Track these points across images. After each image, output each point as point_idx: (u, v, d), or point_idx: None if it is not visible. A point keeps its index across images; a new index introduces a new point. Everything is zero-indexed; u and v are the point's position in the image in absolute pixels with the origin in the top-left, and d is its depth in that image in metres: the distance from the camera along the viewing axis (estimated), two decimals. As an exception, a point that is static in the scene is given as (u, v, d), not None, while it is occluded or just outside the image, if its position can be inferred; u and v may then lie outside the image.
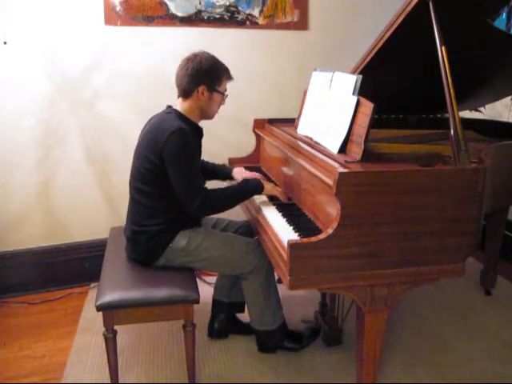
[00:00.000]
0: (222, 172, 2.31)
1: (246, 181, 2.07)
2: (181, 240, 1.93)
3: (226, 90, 2.01)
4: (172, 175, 1.85)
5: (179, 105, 1.97)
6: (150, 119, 2.03)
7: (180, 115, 1.94)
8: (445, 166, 1.76)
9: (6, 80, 2.52)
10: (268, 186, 2.04)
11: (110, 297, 1.77)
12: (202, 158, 2.28)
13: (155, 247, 1.93)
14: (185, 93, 1.94)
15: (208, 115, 2.01)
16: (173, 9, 2.71)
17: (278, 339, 2.12)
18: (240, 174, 2.27)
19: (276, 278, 2.09)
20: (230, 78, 2.00)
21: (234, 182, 2.24)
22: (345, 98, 1.86)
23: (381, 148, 1.96)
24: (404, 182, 1.55)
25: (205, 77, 1.91)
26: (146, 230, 1.92)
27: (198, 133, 2.02)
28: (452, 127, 1.67)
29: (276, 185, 2.22)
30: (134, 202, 1.99)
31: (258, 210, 2.03)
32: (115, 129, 2.74)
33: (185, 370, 1.94)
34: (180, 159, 1.83)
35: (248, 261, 1.97)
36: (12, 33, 2.47)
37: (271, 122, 2.59)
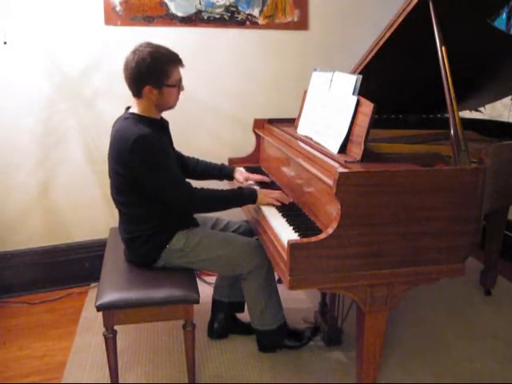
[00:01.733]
0: (221, 172, 2.28)
1: (240, 188, 2.04)
2: (178, 241, 1.92)
3: (179, 80, 1.87)
4: (150, 183, 1.81)
5: (135, 105, 1.89)
6: (114, 123, 1.97)
7: (138, 117, 1.86)
8: (445, 166, 1.76)
9: (5, 80, 2.52)
10: (262, 197, 1.98)
11: (110, 297, 1.77)
12: (202, 158, 2.30)
13: (151, 250, 1.92)
14: (135, 94, 1.86)
15: (167, 107, 1.92)
16: (173, 9, 2.71)
17: (278, 339, 2.12)
18: (242, 175, 2.26)
19: (276, 277, 2.09)
20: (179, 64, 1.86)
21: (233, 184, 2.24)
22: (345, 98, 1.86)
23: (381, 148, 1.96)
24: (404, 182, 1.55)
25: (146, 77, 1.79)
26: (138, 235, 1.92)
27: (163, 127, 1.97)
28: (452, 127, 1.67)
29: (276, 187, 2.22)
30: (118, 211, 1.99)
31: (258, 210, 2.03)
32: (115, 129, 2.74)
33: (185, 370, 1.94)
34: (151, 166, 1.78)
35: (248, 261, 1.96)
36: (12, 33, 2.47)
37: (271, 121, 2.59)
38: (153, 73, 1.80)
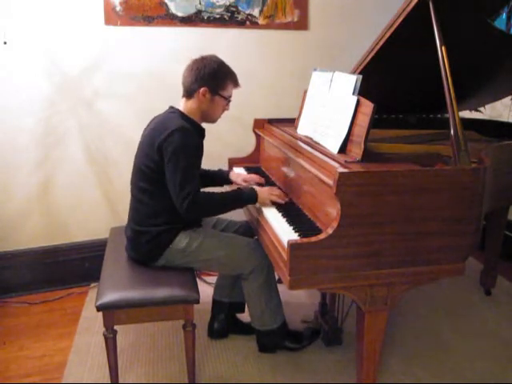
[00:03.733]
0: (219, 177, 2.29)
1: (239, 190, 2.04)
2: (181, 241, 1.93)
3: (230, 96, 2.00)
4: (168, 172, 1.84)
5: (182, 104, 1.97)
6: (153, 119, 2.03)
7: (184, 116, 1.93)
8: (445, 166, 1.75)
9: (6, 80, 2.52)
10: (262, 196, 1.98)
11: (110, 297, 1.77)
12: (209, 164, 2.28)
13: (155, 248, 1.93)
14: (187, 92, 1.94)
15: (210, 118, 2.00)
16: (173, 9, 2.71)
17: (278, 339, 2.12)
18: (238, 176, 2.26)
19: (276, 277, 2.09)
20: (236, 84, 1.99)
21: (233, 186, 2.23)
22: (345, 98, 1.86)
23: (381, 148, 1.96)
24: (404, 182, 1.55)
25: (208, 78, 1.91)
26: (147, 229, 1.92)
27: (201, 133, 2.01)
28: (452, 127, 1.67)
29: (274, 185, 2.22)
30: (135, 200, 1.99)
31: (258, 210, 2.03)
32: (115, 129, 2.74)
33: (185, 370, 1.94)
34: (179, 157, 1.81)
35: (248, 261, 1.97)
36: (12, 33, 2.47)
37: (271, 121, 2.59)
38: (214, 78, 1.92)
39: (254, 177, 2.25)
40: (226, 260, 1.97)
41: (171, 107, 2.01)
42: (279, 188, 2.18)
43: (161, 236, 1.92)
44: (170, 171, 1.83)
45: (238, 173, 2.32)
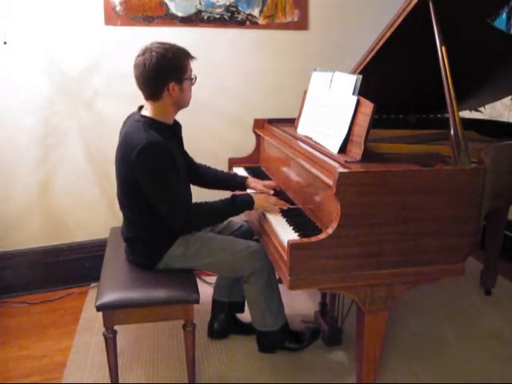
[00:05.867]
0: (233, 182, 2.21)
1: (234, 196, 1.97)
2: (179, 246, 1.91)
3: (191, 71, 1.87)
4: (149, 192, 1.78)
5: (149, 108, 1.84)
6: (125, 122, 1.95)
7: (150, 122, 1.81)
8: (445, 166, 1.76)
9: (6, 80, 2.52)
10: (259, 202, 1.94)
11: (110, 297, 1.77)
12: (202, 158, 2.29)
13: (153, 254, 1.92)
14: (153, 95, 1.81)
15: (184, 105, 1.90)
16: (173, 9, 2.71)
17: (279, 340, 2.12)
18: (256, 183, 2.17)
19: (277, 277, 2.09)
20: (191, 58, 1.85)
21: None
22: (345, 98, 1.86)
23: (381, 148, 1.96)
24: (404, 181, 1.55)
25: (169, 73, 1.78)
26: (140, 238, 1.92)
27: (175, 133, 1.95)
28: (452, 127, 1.67)
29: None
30: (123, 214, 1.98)
31: (258, 210, 2.02)
32: (115, 129, 2.71)
33: (185, 370, 1.94)
34: (153, 176, 1.74)
35: (249, 264, 1.95)
36: (12, 33, 2.47)
37: (271, 121, 2.59)
38: (174, 68, 1.79)
39: (271, 184, 2.18)
40: (225, 263, 1.96)
41: (139, 108, 1.92)
42: (280, 190, 2.19)
43: (156, 243, 1.90)
44: (152, 191, 1.77)
45: (257, 180, 2.21)
